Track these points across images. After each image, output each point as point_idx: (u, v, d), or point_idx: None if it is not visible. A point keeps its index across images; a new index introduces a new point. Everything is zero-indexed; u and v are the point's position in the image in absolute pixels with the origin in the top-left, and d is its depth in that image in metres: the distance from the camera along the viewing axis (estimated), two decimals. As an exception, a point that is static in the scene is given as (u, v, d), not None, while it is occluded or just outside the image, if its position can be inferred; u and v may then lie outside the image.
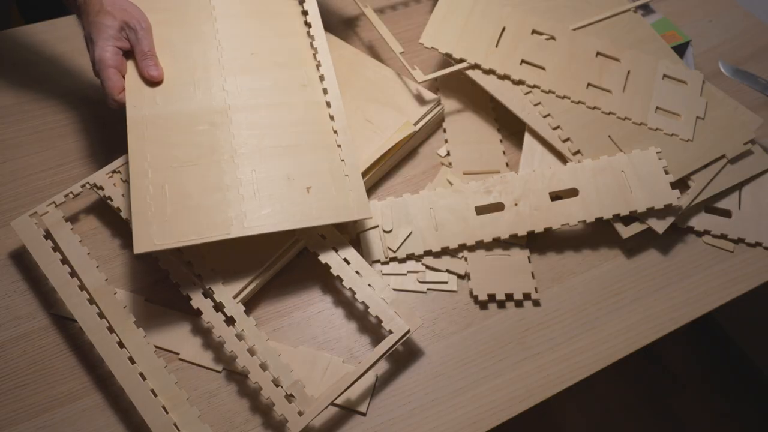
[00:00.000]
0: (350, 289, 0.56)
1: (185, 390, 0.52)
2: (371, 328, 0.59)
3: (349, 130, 0.59)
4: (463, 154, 0.70)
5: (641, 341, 0.59)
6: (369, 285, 0.56)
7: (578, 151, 0.66)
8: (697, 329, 1.36)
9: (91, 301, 0.54)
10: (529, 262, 0.62)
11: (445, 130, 0.72)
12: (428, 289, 0.61)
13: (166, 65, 0.61)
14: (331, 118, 0.59)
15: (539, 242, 0.64)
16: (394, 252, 0.62)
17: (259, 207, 0.54)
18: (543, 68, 0.70)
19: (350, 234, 0.63)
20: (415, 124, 0.68)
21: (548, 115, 0.68)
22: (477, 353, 0.58)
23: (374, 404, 0.55)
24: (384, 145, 0.66)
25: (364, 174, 0.64)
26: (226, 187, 0.54)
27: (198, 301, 0.55)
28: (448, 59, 0.72)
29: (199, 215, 0.53)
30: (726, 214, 0.66)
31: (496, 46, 0.71)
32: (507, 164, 0.69)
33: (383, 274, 0.62)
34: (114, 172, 0.61)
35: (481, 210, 0.63)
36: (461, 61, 0.71)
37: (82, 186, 0.61)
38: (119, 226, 0.63)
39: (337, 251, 0.58)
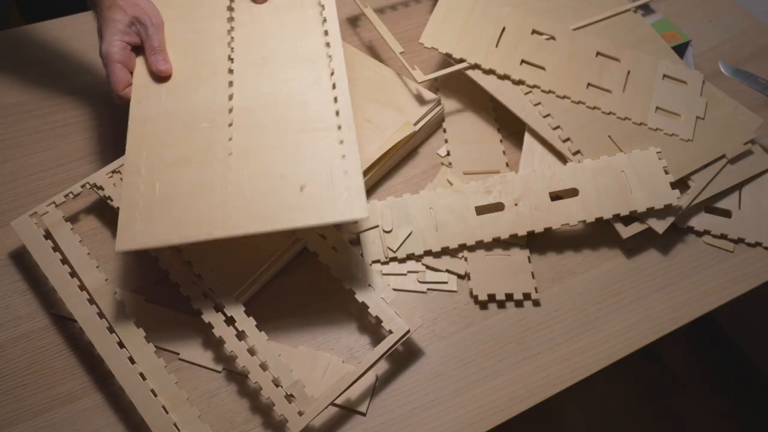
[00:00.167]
0: (350, 289, 0.56)
1: (185, 390, 0.52)
2: (371, 328, 0.59)
3: (353, 127, 0.57)
4: (463, 154, 0.70)
5: (641, 341, 0.59)
6: (369, 285, 0.56)
7: (578, 151, 0.66)
8: (697, 329, 1.36)
9: (91, 301, 0.54)
10: (529, 262, 0.62)
11: (445, 130, 0.72)
12: (428, 289, 0.61)
13: (175, 62, 0.60)
14: (337, 113, 0.57)
15: (539, 242, 0.64)
16: (394, 252, 0.62)
17: (246, 207, 0.52)
18: (543, 68, 0.70)
19: (350, 234, 0.63)
20: (415, 124, 0.68)
21: (548, 115, 0.68)
22: (477, 353, 0.58)
23: (374, 404, 0.55)
24: (384, 145, 0.66)
25: (364, 174, 0.64)
26: (216, 186, 0.53)
27: (198, 301, 0.55)
28: (448, 59, 0.72)
29: (185, 215, 0.51)
30: (726, 214, 0.66)
31: (496, 46, 0.71)
32: (507, 164, 0.69)
33: (383, 274, 0.62)
34: (114, 172, 0.61)
35: (481, 210, 0.63)
36: (461, 61, 0.71)
37: (82, 186, 0.61)
38: (119, 226, 0.63)
39: (337, 251, 0.58)
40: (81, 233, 0.62)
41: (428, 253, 0.62)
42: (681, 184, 0.65)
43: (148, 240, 0.50)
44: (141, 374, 0.51)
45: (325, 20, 0.64)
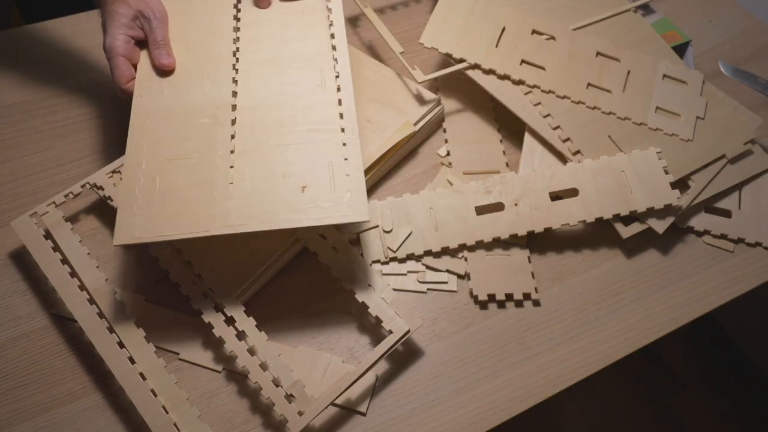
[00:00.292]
0: (350, 289, 0.56)
1: (185, 390, 0.52)
2: (371, 328, 0.59)
3: (356, 130, 0.57)
4: (463, 154, 0.70)
5: (641, 341, 0.59)
6: (369, 285, 0.56)
7: (578, 151, 0.66)
8: (697, 329, 1.36)
9: (91, 301, 0.54)
10: (529, 262, 0.62)
11: (445, 130, 0.72)
12: (428, 289, 0.61)
13: (179, 56, 0.60)
14: (341, 116, 0.57)
15: (539, 242, 0.64)
16: (394, 252, 0.62)
17: (245, 205, 0.52)
18: (543, 68, 0.70)
19: (350, 234, 0.63)
20: (415, 124, 0.68)
21: (548, 115, 0.68)
22: (477, 353, 0.58)
23: (374, 404, 0.55)
24: (384, 145, 0.66)
25: (364, 174, 0.64)
26: (216, 183, 0.53)
27: (198, 301, 0.55)
28: (448, 59, 0.72)
29: (184, 210, 0.51)
30: (726, 214, 0.66)
31: (496, 46, 0.71)
32: (507, 164, 0.69)
33: (383, 274, 0.62)
34: (114, 172, 0.61)
35: (481, 210, 0.63)
36: (461, 61, 0.71)
37: (82, 186, 0.61)
38: (119, 226, 0.63)
39: (337, 251, 0.58)
40: (81, 233, 0.62)
41: (428, 253, 0.62)
42: (681, 184, 0.65)
43: (146, 234, 0.50)
44: (141, 374, 0.51)
45: (331, 24, 0.64)
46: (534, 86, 0.69)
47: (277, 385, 0.51)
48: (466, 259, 0.62)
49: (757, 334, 1.28)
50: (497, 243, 0.63)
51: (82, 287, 0.55)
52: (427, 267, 0.62)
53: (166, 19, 0.61)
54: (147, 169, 0.53)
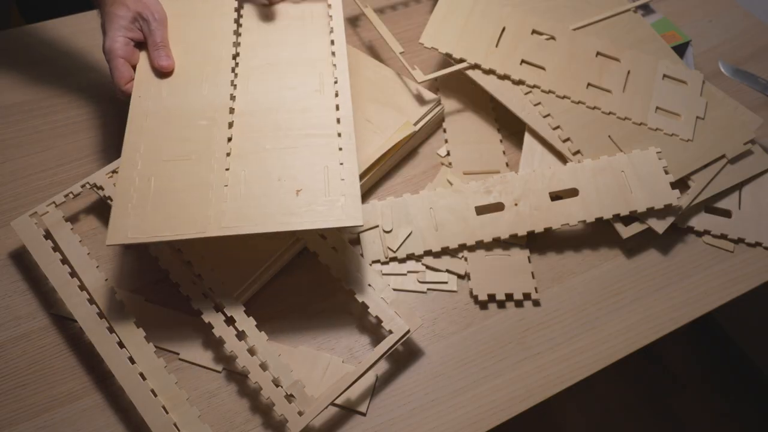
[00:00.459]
0: (350, 289, 0.56)
1: (185, 390, 0.52)
2: (371, 328, 0.59)
3: (353, 135, 0.57)
4: (463, 154, 0.70)
5: (641, 341, 0.59)
6: (369, 285, 0.56)
7: (578, 151, 0.66)
8: (697, 329, 1.36)
9: (91, 301, 0.54)
10: (529, 262, 0.62)
11: (445, 130, 0.72)
12: (428, 289, 0.61)
13: (178, 58, 0.60)
14: (338, 121, 0.58)
15: (539, 242, 0.64)
16: (394, 252, 0.62)
17: (240, 207, 0.52)
18: (543, 68, 0.70)
19: (350, 234, 0.63)
20: (415, 124, 0.68)
21: (548, 115, 0.68)
22: (477, 353, 0.58)
23: (374, 404, 0.55)
24: (384, 145, 0.66)
25: (364, 174, 0.64)
26: (211, 185, 0.53)
27: (198, 301, 0.55)
28: (448, 59, 0.72)
29: (178, 211, 0.51)
30: (726, 214, 0.66)
31: (496, 46, 0.71)
32: (507, 164, 0.69)
33: (383, 274, 0.62)
34: (114, 172, 0.61)
35: (481, 210, 0.63)
36: (461, 61, 0.71)
37: (82, 186, 0.61)
38: (119, 226, 0.63)
39: (337, 251, 0.58)
40: (81, 233, 0.62)
41: (428, 253, 0.62)
42: (681, 184, 0.65)
43: (140, 235, 0.50)
44: (141, 374, 0.51)
45: (332, 30, 0.65)
46: (534, 86, 0.69)
47: (277, 385, 0.51)
48: (466, 259, 0.62)
49: (757, 334, 1.28)
50: (497, 243, 0.63)
51: (82, 287, 0.55)
52: (427, 267, 0.62)
53: (165, 20, 0.61)
54: (143, 169, 0.53)
